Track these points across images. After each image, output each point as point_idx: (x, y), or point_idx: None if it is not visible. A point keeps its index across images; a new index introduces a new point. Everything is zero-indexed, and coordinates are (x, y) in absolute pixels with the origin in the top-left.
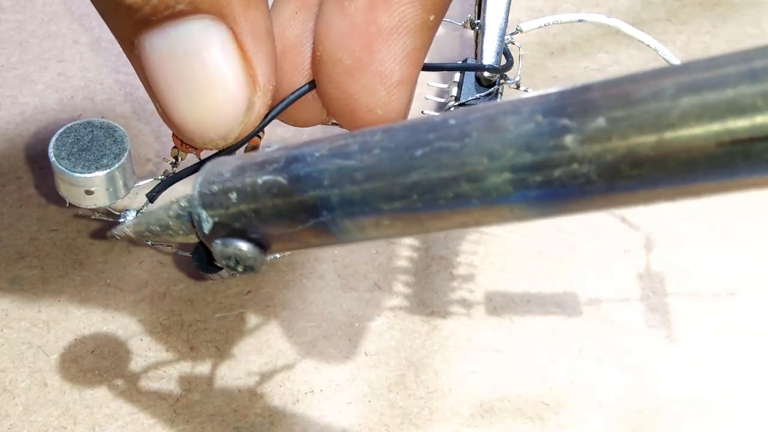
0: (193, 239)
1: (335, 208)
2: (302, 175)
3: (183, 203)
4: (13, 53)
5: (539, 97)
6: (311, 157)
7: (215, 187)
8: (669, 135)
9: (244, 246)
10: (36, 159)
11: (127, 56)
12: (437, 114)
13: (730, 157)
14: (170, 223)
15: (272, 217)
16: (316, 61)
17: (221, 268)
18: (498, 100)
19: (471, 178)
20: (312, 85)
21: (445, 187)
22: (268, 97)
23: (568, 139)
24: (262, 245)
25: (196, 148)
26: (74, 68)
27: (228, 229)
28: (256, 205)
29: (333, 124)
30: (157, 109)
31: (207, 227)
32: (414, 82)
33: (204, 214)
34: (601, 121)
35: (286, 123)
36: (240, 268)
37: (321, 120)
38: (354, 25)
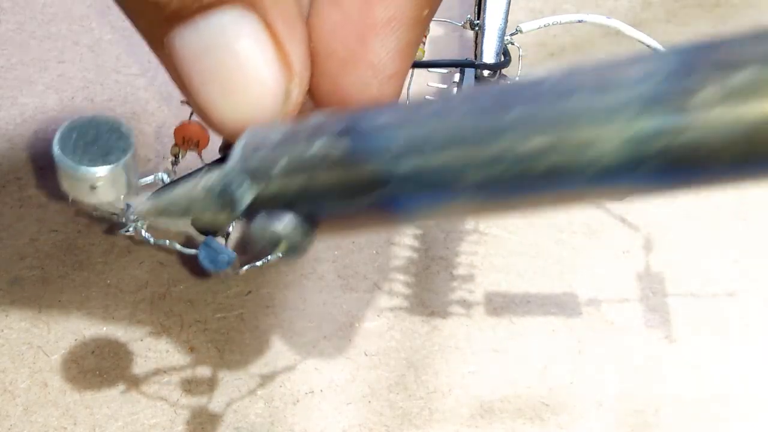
0: (223, 218)
1: (404, 182)
2: (365, 142)
3: (214, 176)
4: (13, 54)
5: (658, 54)
6: (376, 122)
7: (260, 154)
8: None
9: (289, 223)
10: (36, 159)
11: (157, 55)
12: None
13: None
14: (198, 199)
15: (326, 190)
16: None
17: (229, 264)
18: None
19: (574, 145)
20: None
21: (541, 156)
22: (305, 84)
23: (698, 100)
24: (311, 223)
25: (197, 146)
26: (74, 69)
27: (272, 204)
28: (308, 176)
29: None
30: (192, 106)
31: (247, 200)
32: (405, 76)
33: (245, 185)
34: (740, 76)
35: None
36: (282, 249)
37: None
38: (348, 17)
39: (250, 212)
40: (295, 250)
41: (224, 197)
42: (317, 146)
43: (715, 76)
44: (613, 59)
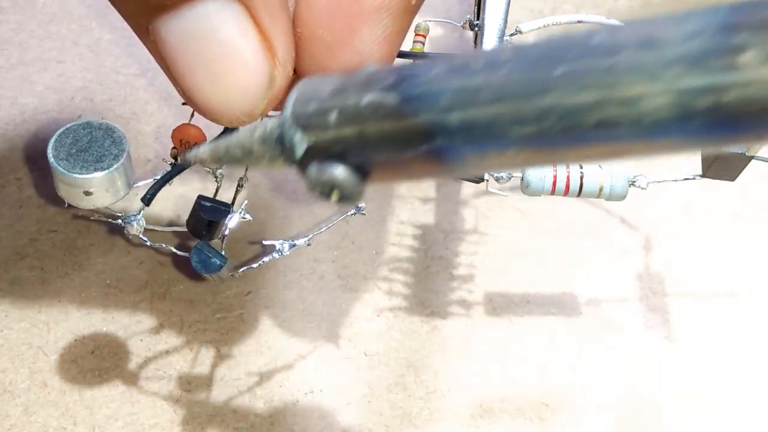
0: (278, 166)
1: (454, 134)
2: (416, 94)
3: (271, 125)
4: (12, 54)
5: (707, 10)
6: (427, 75)
7: (312, 106)
8: None
9: (342, 172)
10: (36, 160)
11: (143, 42)
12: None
13: None
14: (254, 147)
15: (378, 141)
16: (296, 38)
17: (220, 268)
18: None
19: (622, 101)
20: None
21: (589, 111)
22: (289, 70)
23: (747, 57)
24: (363, 172)
25: None
26: (74, 69)
27: (324, 153)
28: (359, 127)
29: None
30: (178, 92)
31: (300, 150)
32: (391, 65)
33: (298, 135)
34: None
35: None
36: (335, 197)
37: None
38: (337, 3)
39: (305, 161)
40: (348, 198)
41: (281, 145)
42: (368, 99)
43: (760, 35)
44: (660, 16)
